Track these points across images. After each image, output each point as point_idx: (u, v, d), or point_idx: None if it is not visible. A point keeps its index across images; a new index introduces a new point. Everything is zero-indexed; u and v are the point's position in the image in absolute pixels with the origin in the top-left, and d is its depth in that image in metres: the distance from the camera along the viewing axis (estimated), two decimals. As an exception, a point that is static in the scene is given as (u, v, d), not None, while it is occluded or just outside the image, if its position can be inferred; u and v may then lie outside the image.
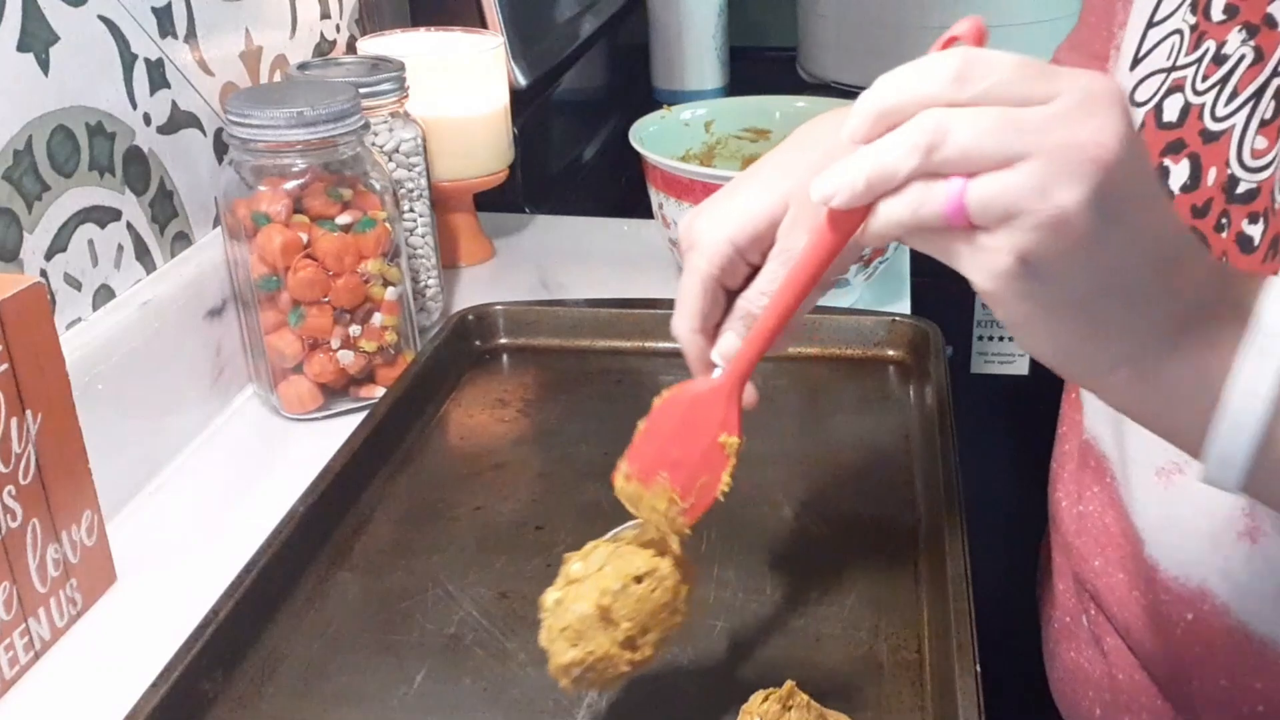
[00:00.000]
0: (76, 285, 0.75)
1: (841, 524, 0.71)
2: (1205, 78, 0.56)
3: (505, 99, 1.08)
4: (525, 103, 1.19)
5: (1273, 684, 0.56)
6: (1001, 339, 1.43)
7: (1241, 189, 0.53)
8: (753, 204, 0.54)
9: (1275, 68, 0.52)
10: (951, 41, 0.43)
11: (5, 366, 0.60)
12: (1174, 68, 0.58)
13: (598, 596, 0.52)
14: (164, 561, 0.72)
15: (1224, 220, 0.53)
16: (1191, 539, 0.57)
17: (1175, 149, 0.56)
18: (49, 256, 0.73)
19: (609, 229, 1.19)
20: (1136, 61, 0.61)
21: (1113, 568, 0.63)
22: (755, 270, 0.54)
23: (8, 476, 0.61)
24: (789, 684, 0.54)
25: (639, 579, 0.53)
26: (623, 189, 1.30)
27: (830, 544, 0.70)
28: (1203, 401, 0.42)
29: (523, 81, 1.18)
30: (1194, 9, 0.57)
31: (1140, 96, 0.60)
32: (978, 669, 0.55)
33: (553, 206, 1.24)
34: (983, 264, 0.39)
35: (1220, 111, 0.55)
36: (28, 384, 0.62)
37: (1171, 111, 0.57)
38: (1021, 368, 1.43)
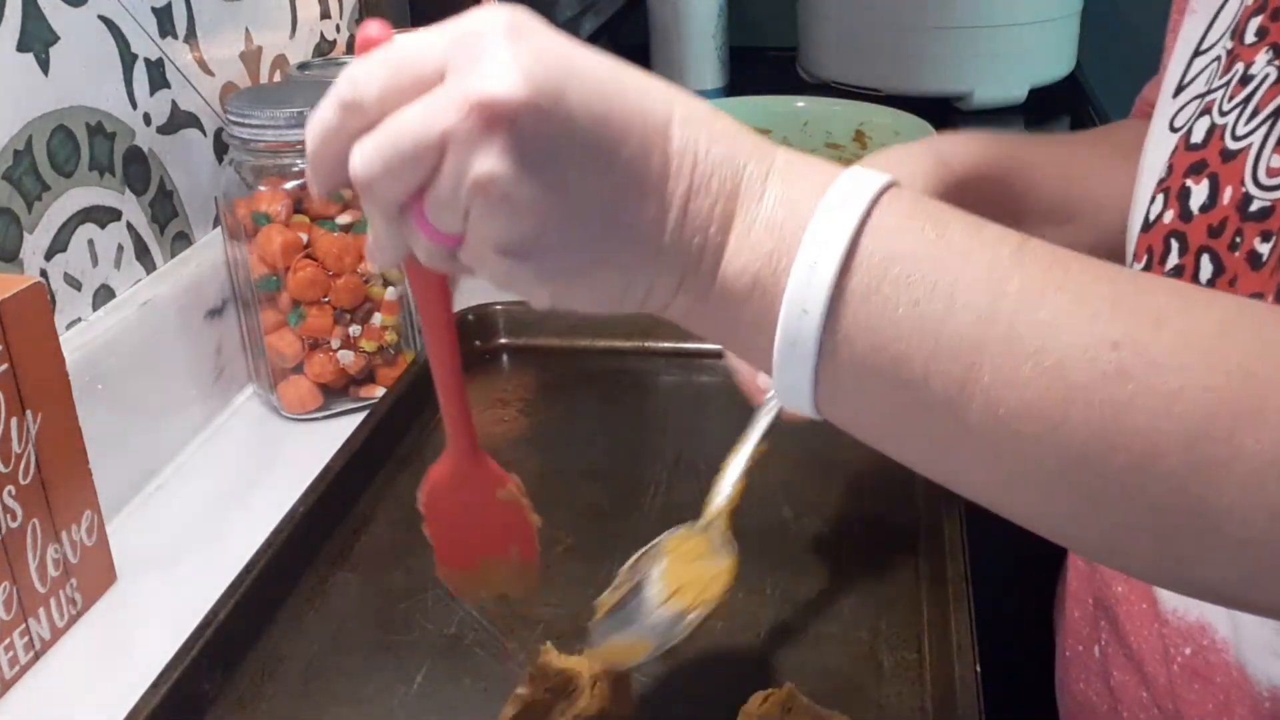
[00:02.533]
0: (76, 285, 0.75)
1: (841, 524, 0.71)
2: (1231, 98, 0.55)
3: (505, 99, 1.07)
4: (525, 103, 1.19)
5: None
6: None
7: (1255, 207, 0.52)
8: None
9: None
10: (367, 45, 0.40)
11: (5, 366, 0.60)
12: (1208, 92, 0.57)
13: None
14: (164, 561, 0.72)
15: (1238, 239, 0.52)
16: None
17: (1198, 170, 0.55)
18: (49, 256, 0.73)
19: (609, 229, 1.19)
20: (1180, 89, 0.60)
21: (1136, 595, 0.62)
22: None
23: (8, 476, 0.61)
24: (788, 687, 0.54)
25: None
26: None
27: (830, 544, 0.70)
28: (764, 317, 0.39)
29: (523, 81, 1.18)
30: (1233, 34, 0.57)
31: (1178, 123, 0.58)
32: (978, 669, 0.55)
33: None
34: (481, 270, 0.39)
35: (1240, 131, 0.54)
36: (28, 384, 0.62)
37: (1199, 133, 0.56)
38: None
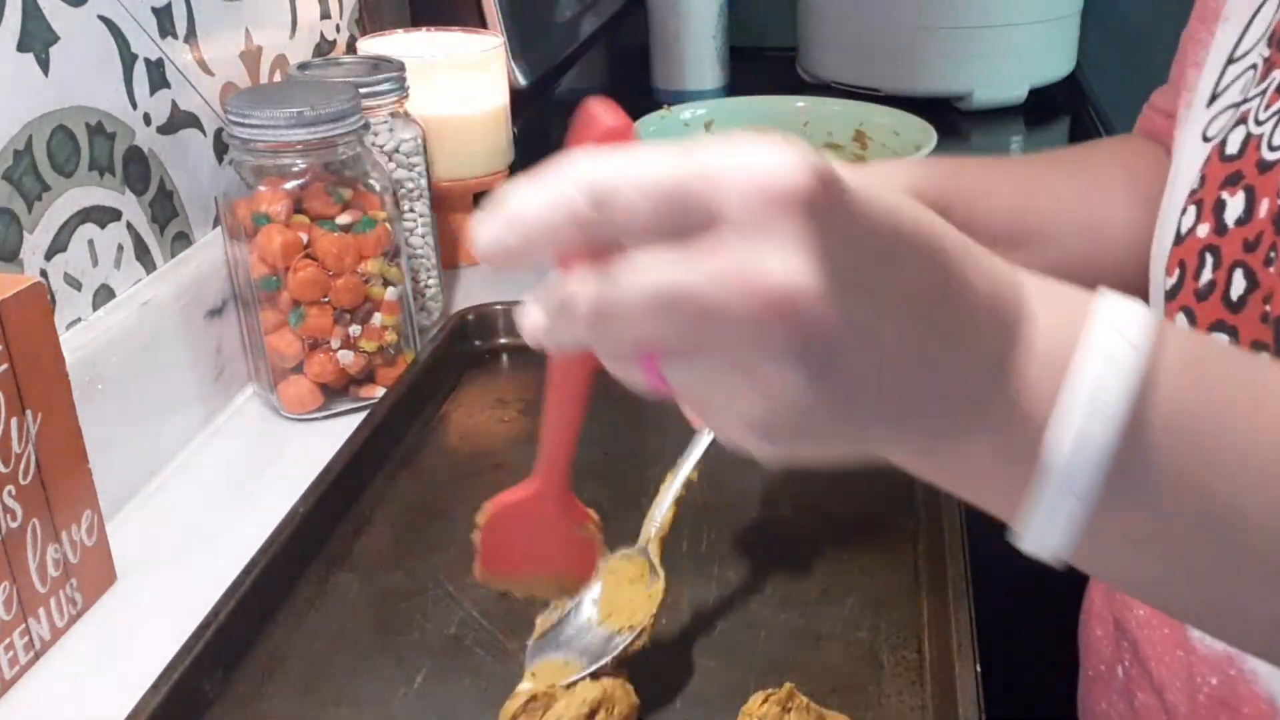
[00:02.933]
0: (76, 285, 0.75)
1: (841, 524, 0.71)
2: (1268, 106, 0.53)
3: (505, 99, 1.08)
4: (525, 103, 1.19)
5: None
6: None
7: None
8: None
9: None
10: (594, 133, 0.36)
11: (5, 366, 0.60)
12: (1243, 101, 0.56)
13: None
14: (164, 561, 0.72)
15: (1272, 254, 0.51)
16: None
17: (1233, 181, 0.54)
18: (49, 256, 0.73)
19: (609, 229, 1.19)
20: (1214, 98, 0.58)
21: (1158, 620, 0.61)
22: None
23: (8, 476, 0.61)
24: (788, 686, 0.54)
25: (591, 715, 0.54)
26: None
27: (830, 544, 0.70)
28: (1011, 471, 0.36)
29: (523, 81, 1.18)
30: (1270, 41, 0.56)
31: (1210, 132, 0.57)
32: (978, 669, 0.55)
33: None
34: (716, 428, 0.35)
35: (1276, 141, 0.52)
36: (28, 384, 0.62)
37: (1234, 144, 0.55)
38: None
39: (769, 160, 0.30)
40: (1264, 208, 0.51)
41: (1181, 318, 0.55)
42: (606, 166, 0.32)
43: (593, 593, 0.59)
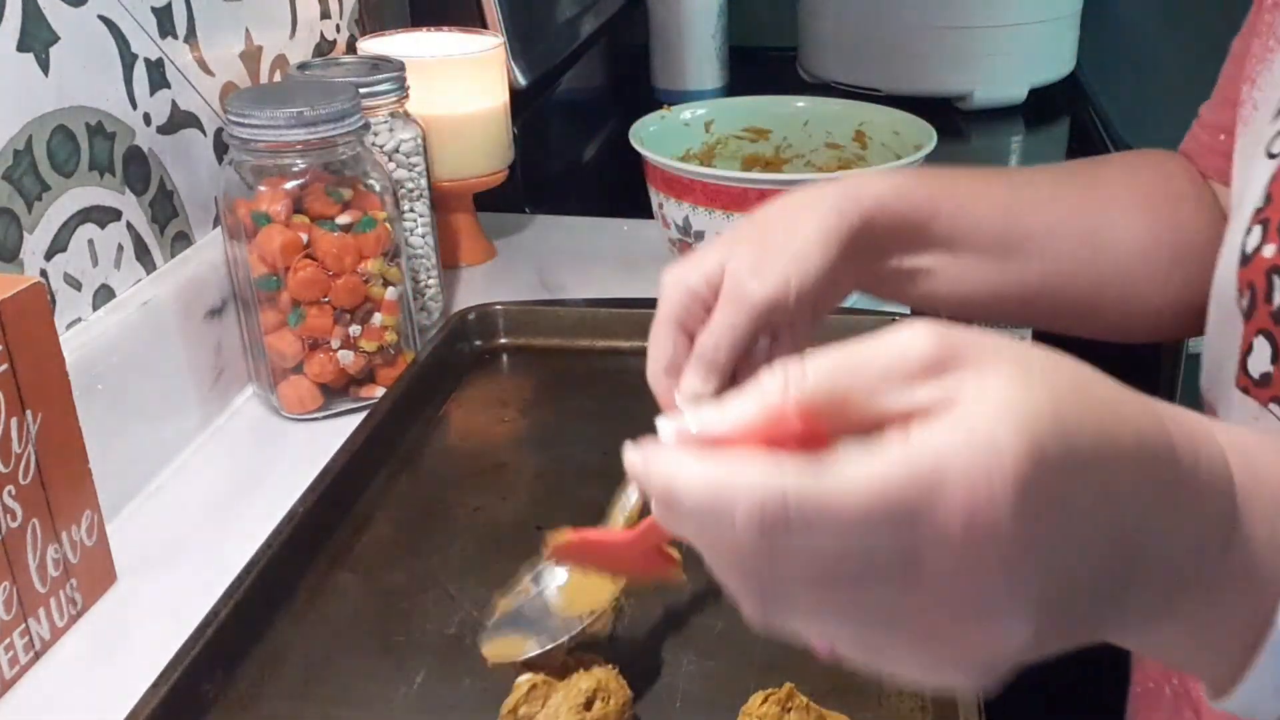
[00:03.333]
0: (76, 285, 0.75)
1: (841, 524, 0.71)
2: None
3: (505, 99, 1.08)
4: (525, 103, 1.19)
5: None
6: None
7: None
8: (709, 254, 0.57)
9: None
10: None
11: (5, 366, 0.60)
12: None
13: None
14: (164, 561, 0.72)
15: None
16: None
17: None
18: (49, 256, 0.73)
19: (609, 229, 1.19)
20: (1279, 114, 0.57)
21: None
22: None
23: (8, 476, 0.61)
24: (788, 686, 0.54)
25: (588, 704, 0.55)
26: (623, 189, 1.30)
27: (830, 544, 0.70)
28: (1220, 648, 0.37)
29: (523, 81, 1.18)
30: None
31: (1276, 149, 0.56)
32: (978, 669, 0.55)
33: (553, 206, 1.24)
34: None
35: None
36: (28, 384, 0.62)
37: None
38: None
39: (977, 473, 0.29)
40: None
41: (1262, 340, 0.54)
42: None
43: (557, 579, 0.59)
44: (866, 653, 0.33)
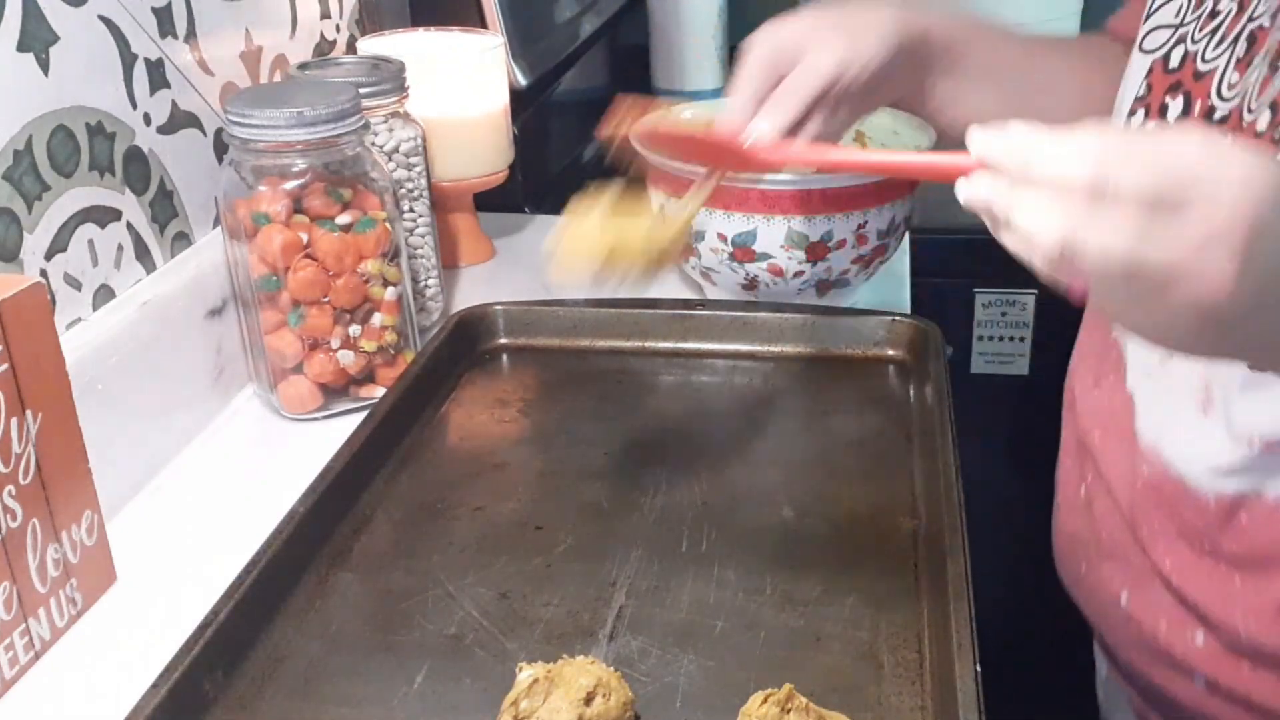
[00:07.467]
0: (76, 285, 0.75)
1: (841, 524, 0.71)
2: (1202, 28, 0.67)
3: (505, 99, 1.08)
4: (525, 103, 1.19)
5: (1197, 519, 0.66)
6: (1001, 339, 1.43)
7: (1218, 115, 0.64)
8: (796, 25, 0.72)
9: (1250, 15, 0.64)
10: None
11: (5, 366, 0.60)
12: (1181, 23, 0.69)
13: None
14: (164, 561, 0.72)
15: None
16: (1160, 408, 0.68)
17: (1174, 89, 0.67)
18: (49, 256, 0.73)
19: (609, 229, 1.19)
20: (1149, 15, 0.72)
21: (1111, 439, 0.73)
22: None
23: (8, 476, 0.61)
24: (787, 687, 0.54)
25: (589, 700, 0.54)
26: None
27: (830, 544, 0.70)
28: None
29: (523, 81, 1.18)
30: None
31: (1148, 45, 0.70)
32: (977, 669, 0.55)
33: (553, 206, 1.23)
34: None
35: (1209, 55, 0.66)
36: (28, 384, 0.62)
37: (1175, 59, 0.68)
38: (1021, 368, 1.43)
39: (1257, 173, 0.45)
40: (1198, 107, 0.65)
41: None
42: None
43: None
44: (1117, 280, 0.45)
